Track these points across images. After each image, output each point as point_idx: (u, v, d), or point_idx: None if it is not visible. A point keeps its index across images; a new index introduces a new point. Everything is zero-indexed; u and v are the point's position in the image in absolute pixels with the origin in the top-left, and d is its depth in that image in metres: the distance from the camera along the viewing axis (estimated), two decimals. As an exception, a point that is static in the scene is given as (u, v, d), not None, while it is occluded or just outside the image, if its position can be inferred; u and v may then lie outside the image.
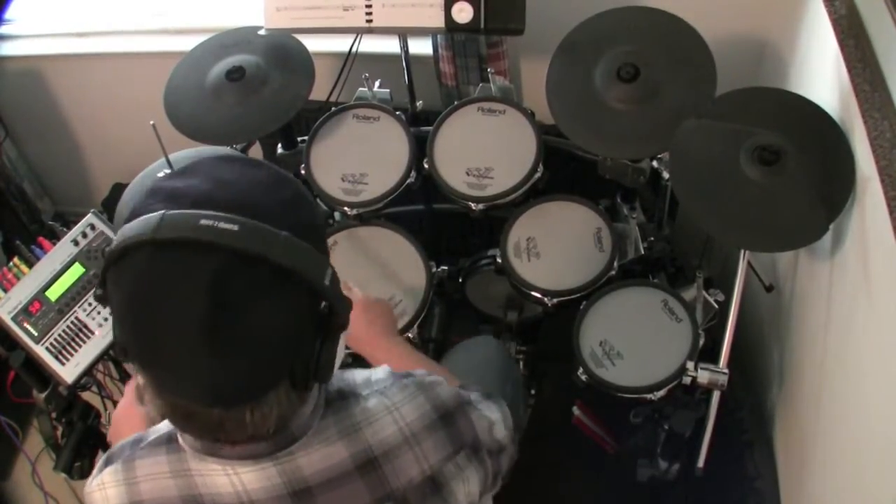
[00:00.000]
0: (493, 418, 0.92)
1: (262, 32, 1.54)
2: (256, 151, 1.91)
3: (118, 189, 2.14)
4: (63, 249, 1.43)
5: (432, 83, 1.83)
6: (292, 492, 0.78)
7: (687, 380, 1.31)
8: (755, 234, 1.24)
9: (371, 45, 1.69)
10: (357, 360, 1.24)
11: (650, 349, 1.36)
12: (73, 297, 1.41)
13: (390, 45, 1.69)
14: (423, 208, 1.80)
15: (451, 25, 1.45)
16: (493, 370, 1.39)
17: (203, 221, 0.65)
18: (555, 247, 1.50)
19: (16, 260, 1.41)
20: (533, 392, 1.84)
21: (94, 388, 1.54)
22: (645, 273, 1.58)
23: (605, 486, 1.75)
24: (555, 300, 1.45)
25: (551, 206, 1.54)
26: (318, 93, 1.61)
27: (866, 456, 1.11)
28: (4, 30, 2.14)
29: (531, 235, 1.51)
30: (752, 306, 1.68)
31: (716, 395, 1.32)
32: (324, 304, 0.72)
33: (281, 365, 0.70)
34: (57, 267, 1.41)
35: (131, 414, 1.15)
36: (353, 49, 1.66)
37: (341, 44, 1.67)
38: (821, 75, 1.34)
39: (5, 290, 1.39)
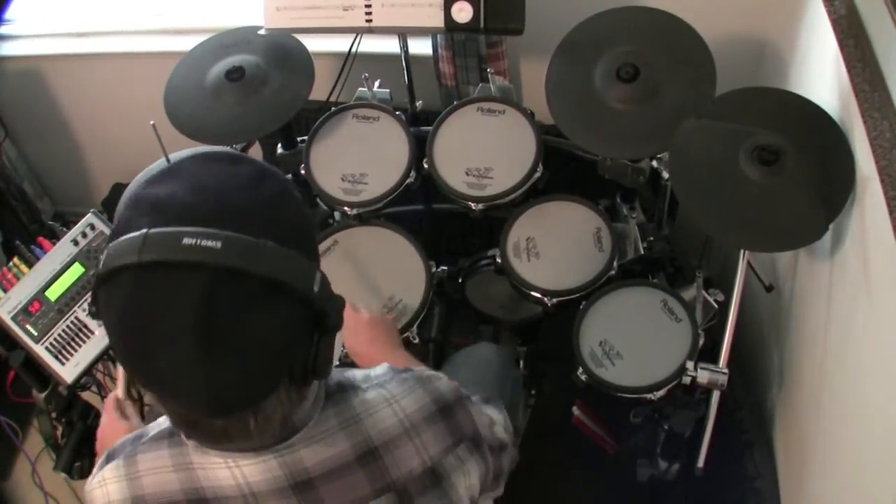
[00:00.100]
0: (495, 418, 0.93)
1: (261, 32, 1.54)
2: (256, 151, 1.91)
3: (118, 189, 2.15)
4: (63, 249, 1.43)
5: (432, 83, 1.83)
6: (293, 483, 0.79)
7: (687, 380, 1.31)
8: (755, 234, 1.24)
9: (371, 45, 1.69)
10: (357, 360, 1.24)
11: (650, 349, 1.36)
12: (72, 296, 1.41)
13: (390, 45, 1.69)
14: (422, 208, 1.80)
15: (450, 25, 1.45)
16: (491, 373, 1.39)
17: (186, 241, 0.64)
18: (554, 247, 1.50)
19: (16, 260, 1.41)
20: (533, 392, 1.84)
21: (94, 388, 1.54)
22: (645, 273, 1.58)
23: (605, 486, 1.75)
24: (554, 300, 1.45)
25: (551, 206, 1.54)
26: (318, 93, 1.61)
27: (866, 456, 1.11)
28: (4, 30, 2.14)
29: (531, 235, 1.51)
30: (751, 306, 1.68)
31: (716, 395, 1.32)
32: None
33: (278, 370, 0.70)
34: (57, 267, 1.42)
35: (116, 429, 1.15)
36: (353, 49, 1.66)
37: (341, 44, 1.67)
38: (821, 75, 1.34)
39: (5, 290, 1.39)
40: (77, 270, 1.42)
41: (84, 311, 1.40)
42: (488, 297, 1.73)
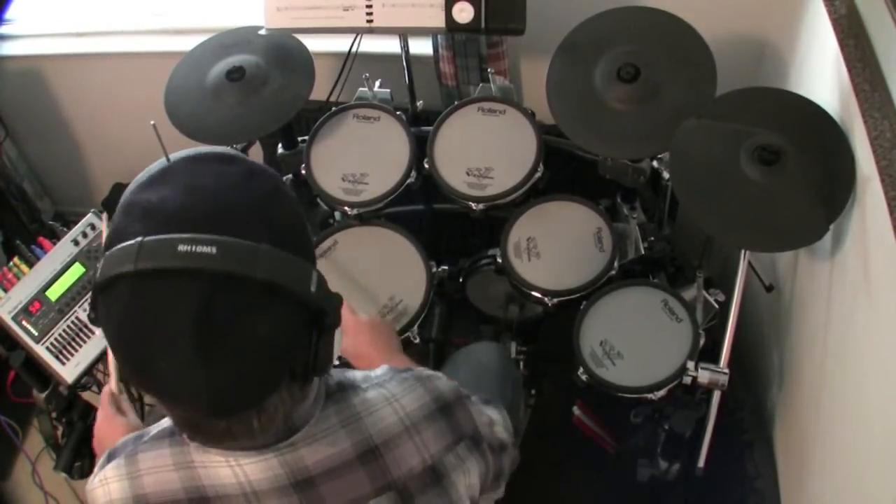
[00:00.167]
0: (494, 418, 0.93)
1: (262, 32, 1.54)
2: (257, 151, 1.91)
3: (118, 189, 2.13)
4: (63, 249, 1.43)
5: (432, 83, 1.83)
6: (294, 482, 0.79)
7: (687, 380, 1.31)
8: (755, 234, 1.24)
9: (371, 45, 1.69)
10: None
11: (650, 349, 1.36)
12: (73, 296, 1.41)
13: (390, 45, 1.69)
14: (423, 208, 1.80)
15: (451, 25, 1.45)
16: (492, 374, 1.39)
17: (181, 248, 0.64)
18: (555, 247, 1.50)
19: (16, 260, 1.41)
20: (533, 392, 1.84)
21: (95, 388, 1.54)
22: (645, 273, 1.58)
23: (605, 486, 1.75)
24: (555, 300, 1.45)
25: (551, 206, 1.54)
26: (319, 93, 1.61)
27: (866, 456, 1.11)
28: (4, 30, 2.14)
29: (531, 235, 1.51)
30: (752, 306, 1.68)
31: (716, 395, 1.32)
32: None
33: (278, 370, 0.70)
34: (57, 267, 1.42)
35: (113, 426, 1.15)
36: (354, 49, 1.66)
37: (341, 44, 1.67)
38: (821, 75, 1.34)
39: (5, 290, 1.39)
40: (77, 270, 1.42)
41: (84, 311, 1.40)
42: (489, 297, 1.73)
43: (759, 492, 1.53)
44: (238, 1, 1.96)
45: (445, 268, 1.58)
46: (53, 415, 1.46)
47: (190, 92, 1.54)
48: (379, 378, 0.87)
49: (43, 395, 1.43)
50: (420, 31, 1.55)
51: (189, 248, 0.64)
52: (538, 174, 1.50)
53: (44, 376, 1.41)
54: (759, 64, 1.73)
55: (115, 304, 0.67)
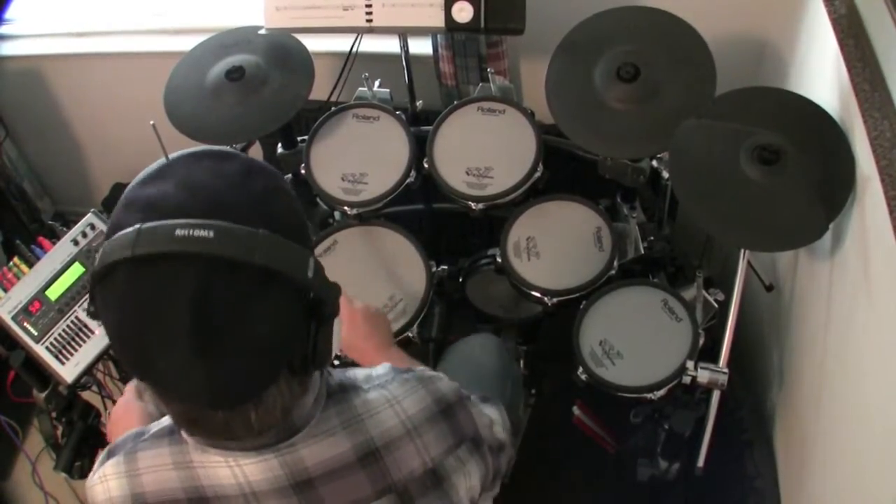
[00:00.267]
0: (493, 417, 0.93)
1: (262, 32, 1.54)
2: (256, 151, 1.91)
3: (118, 189, 2.14)
4: (63, 249, 1.43)
5: (432, 83, 1.83)
6: (294, 483, 0.79)
7: (687, 379, 1.31)
8: (755, 233, 1.24)
9: (371, 44, 1.69)
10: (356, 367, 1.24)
11: (650, 349, 1.36)
12: (73, 296, 1.41)
13: (390, 45, 1.69)
14: (423, 208, 1.80)
15: (451, 25, 1.45)
16: (491, 371, 1.39)
17: (178, 232, 0.64)
18: (555, 246, 1.50)
19: (16, 259, 1.41)
20: (533, 392, 1.84)
21: (94, 388, 1.54)
22: (645, 272, 1.58)
23: (605, 486, 1.75)
24: (555, 300, 1.45)
25: (551, 205, 1.54)
26: (318, 92, 1.61)
27: (866, 456, 1.11)
28: (4, 30, 2.14)
29: (531, 235, 1.51)
30: (752, 306, 1.68)
31: (716, 395, 1.32)
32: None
33: (277, 360, 0.70)
34: (57, 266, 1.42)
35: (130, 409, 1.15)
36: (354, 49, 1.66)
37: (341, 43, 1.67)
38: (821, 75, 1.34)
39: (5, 290, 1.39)
40: (77, 270, 1.42)
41: (84, 310, 1.40)
42: (489, 297, 1.73)
43: (759, 491, 1.53)
44: (238, 1, 1.96)
45: (445, 267, 1.58)
46: (53, 415, 1.46)
47: (190, 92, 1.54)
48: (381, 379, 0.86)
49: (43, 395, 1.43)
50: (420, 31, 1.55)
51: (187, 232, 0.64)
52: (538, 174, 1.50)
53: (44, 376, 1.41)
54: (759, 64, 1.73)
55: (112, 293, 0.67)
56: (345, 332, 1.19)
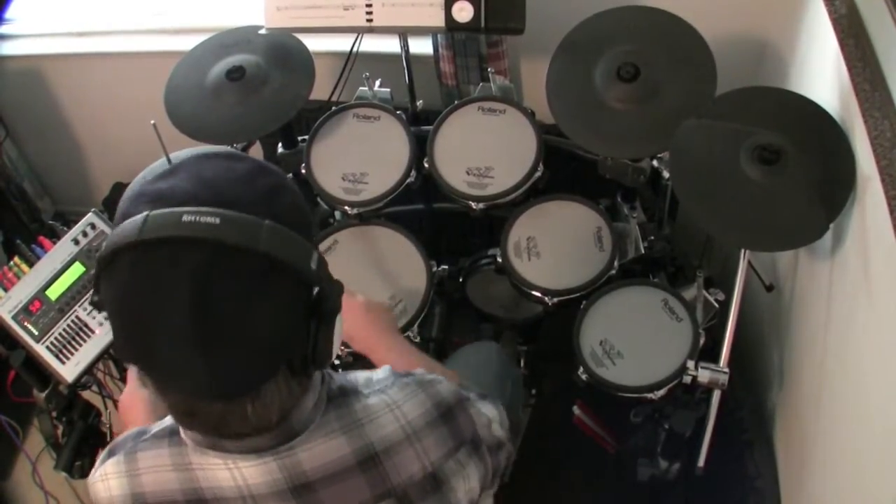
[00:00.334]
0: (491, 416, 0.93)
1: (262, 32, 1.54)
2: (257, 151, 1.91)
3: (119, 188, 2.14)
4: (63, 248, 1.43)
5: (432, 83, 1.83)
6: (293, 486, 0.78)
7: (687, 379, 1.31)
8: (755, 233, 1.24)
9: (371, 44, 1.69)
10: (358, 360, 1.24)
11: (650, 348, 1.36)
12: (73, 296, 1.41)
13: (390, 45, 1.69)
14: (423, 208, 1.80)
15: (451, 25, 1.45)
16: (491, 372, 1.39)
17: (185, 217, 0.65)
18: (555, 246, 1.50)
19: (16, 259, 1.41)
20: (533, 392, 1.84)
21: (95, 387, 1.54)
22: (645, 272, 1.58)
23: (605, 486, 1.75)
24: (555, 299, 1.45)
25: (551, 205, 1.54)
26: (319, 92, 1.61)
27: (866, 456, 1.11)
28: (4, 30, 2.14)
29: (531, 235, 1.51)
30: (752, 306, 1.68)
31: (716, 395, 1.32)
32: (315, 289, 0.72)
33: (276, 354, 0.70)
34: (57, 266, 1.42)
35: (135, 398, 1.15)
36: (354, 48, 1.66)
37: (342, 43, 1.67)
38: (821, 75, 1.34)
39: (5, 290, 1.39)
40: (77, 270, 1.42)
41: (85, 310, 1.40)
42: (489, 297, 1.73)
43: (760, 491, 1.53)
44: (238, 1, 1.96)
45: (445, 267, 1.59)
46: (54, 414, 1.46)
47: (190, 91, 1.54)
48: (381, 383, 0.86)
49: (43, 395, 1.43)
50: (420, 31, 1.55)
51: (194, 218, 0.65)
52: (538, 174, 1.50)
53: (44, 376, 1.41)
54: (759, 64, 1.73)
55: (116, 280, 0.67)
56: (347, 324, 1.19)
